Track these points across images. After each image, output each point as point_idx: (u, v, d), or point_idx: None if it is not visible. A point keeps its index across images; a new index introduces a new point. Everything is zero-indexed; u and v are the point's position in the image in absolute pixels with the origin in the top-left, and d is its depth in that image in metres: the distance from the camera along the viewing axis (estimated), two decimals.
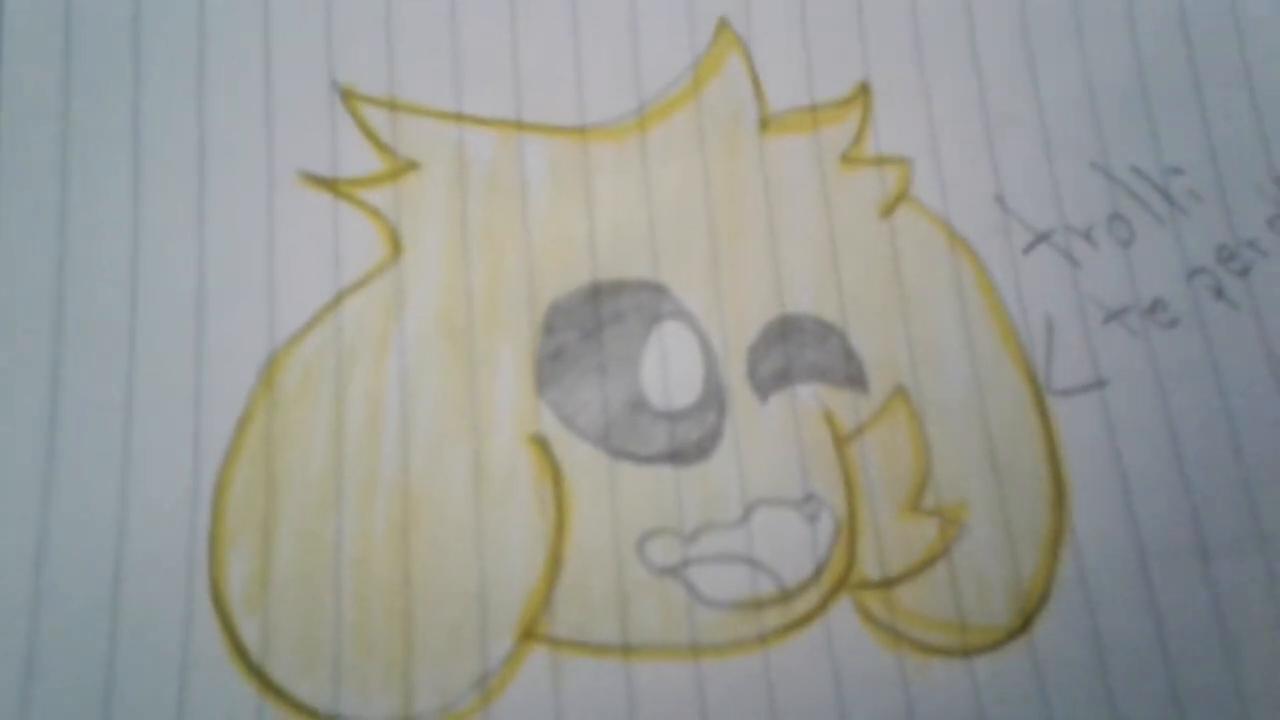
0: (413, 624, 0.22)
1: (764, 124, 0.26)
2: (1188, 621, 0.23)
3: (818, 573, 0.23)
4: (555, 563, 0.22)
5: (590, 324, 0.24)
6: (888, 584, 0.23)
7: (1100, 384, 0.25)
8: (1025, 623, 0.23)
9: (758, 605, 0.23)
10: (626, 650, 0.22)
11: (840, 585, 0.23)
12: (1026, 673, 0.23)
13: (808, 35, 0.26)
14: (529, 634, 0.22)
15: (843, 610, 0.23)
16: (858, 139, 0.26)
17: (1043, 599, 0.23)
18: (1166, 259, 0.26)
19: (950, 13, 0.27)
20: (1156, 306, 0.25)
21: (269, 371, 0.23)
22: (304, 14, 0.25)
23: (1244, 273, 0.26)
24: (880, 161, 0.26)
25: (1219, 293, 0.26)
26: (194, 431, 0.23)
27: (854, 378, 0.24)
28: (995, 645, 0.23)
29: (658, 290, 0.24)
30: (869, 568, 0.23)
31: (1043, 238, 0.26)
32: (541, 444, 0.23)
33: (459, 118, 0.25)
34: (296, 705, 0.21)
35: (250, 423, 0.23)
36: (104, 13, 0.25)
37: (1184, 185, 0.26)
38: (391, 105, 0.25)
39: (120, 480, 0.22)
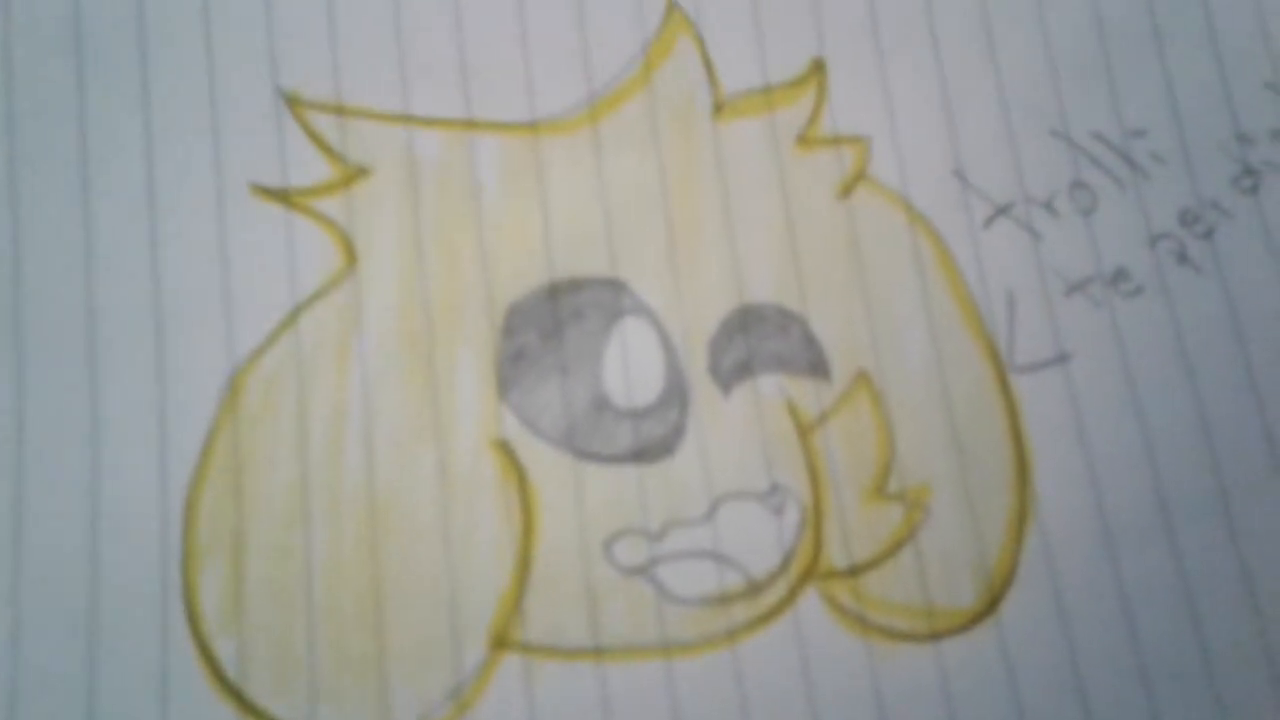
0: (386, 636, 0.22)
1: (717, 108, 0.26)
2: (1153, 594, 0.23)
3: (784, 564, 0.23)
4: (524, 567, 0.23)
5: (550, 324, 0.24)
6: (854, 572, 0.23)
7: (1063, 358, 0.25)
8: (992, 604, 0.23)
9: (726, 600, 0.23)
10: (598, 652, 0.22)
11: (807, 576, 0.23)
12: (994, 654, 0.23)
13: (759, 12, 0.26)
14: (501, 640, 0.22)
15: (810, 601, 0.23)
16: (813, 119, 0.26)
17: (1009, 579, 0.23)
18: (1129, 226, 0.26)
19: None
20: (1119, 276, 0.25)
21: (231, 389, 0.23)
22: (244, 19, 0.25)
23: (1208, 235, 0.25)
24: (837, 141, 0.26)
25: (1182, 258, 0.25)
26: (160, 453, 0.23)
27: (816, 365, 0.24)
28: (963, 628, 0.23)
29: (616, 286, 0.24)
30: (835, 556, 0.23)
31: (1003, 210, 0.25)
32: (505, 448, 0.23)
33: (407, 119, 0.25)
34: None
35: (216, 441, 0.23)
36: (43, 32, 0.24)
37: (1146, 148, 0.26)
38: (339, 110, 0.25)
39: (90, 506, 0.22)
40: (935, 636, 0.23)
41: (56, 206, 0.24)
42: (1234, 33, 0.27)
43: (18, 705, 0.21)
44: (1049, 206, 0.25)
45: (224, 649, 0.22)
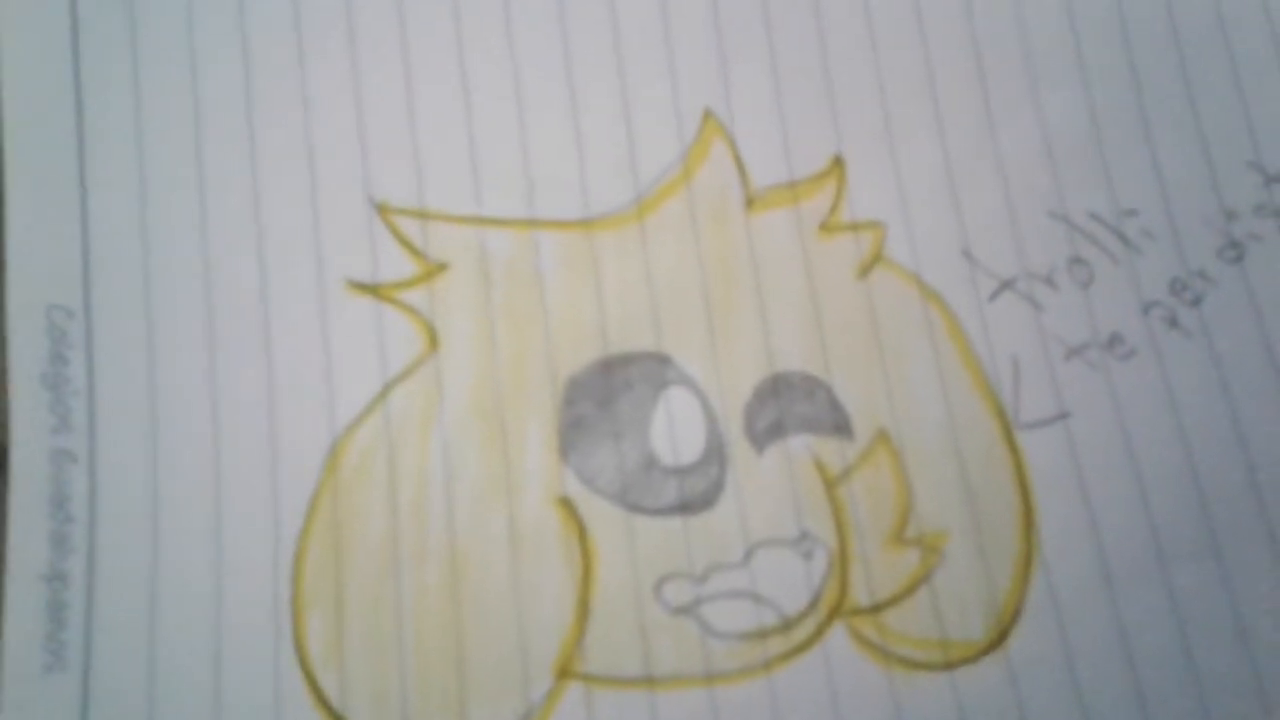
0: (465, 669, 0.26)
1: (749, 202, 0.29)
2: (1148, 629, 0.26)
3: (814, 603, 0.26)
4: (584, 608, 0.26)
5: (604, 394, 0.27)
6: (877, 609, 0.26)
7: (1064, 416, 0.27)
8: (1001, 637, 0.26)
9: (762, 635, 0.26)
10: (649, 681, 0.26)
11: (834, 613, 0.26)
12: (1003, 682, 0.26)
13: (784, 117, 0.29)
14: (564, 672, 0.26)
15: (837, 635, 0.26)
16: (834, 208, 0.29)
17: (1016, 615, 0.26)
18: (1123, 295, 0.28)
19: (914, 83, 0.30)
20: (1114, 341, 0.28)
21: (332, 456, 0.27)
22: (341, 142, 0.29)
23: (1196, 303, 0.28)
24: (855, 227, 0.29)
25: (1173, 323, 0.28)
26: (273, 511, 0.26)
27: (840, 426, 0.27)
28: (974, 659, 0.26)
29: (662, 360, 0.28)
30: (859, 595, 0.26)
31: (1007, 285, 0.28)
32: (567, 505, 0.27)
33: (480, 221, 0.29)
34: None
35: (319, 502, 0.27)
36: (173, 153, 0.29)
37: (1138, 225, 0.29)
38: (421, 215, 0.29)
39: (214, 558, 0.26)
40: (950, 666, 0.26)
41: (183, 301, 0.28)
42: (1217, 116, 0.29)
43: None
44: (1049, 280, 0.28)
45: (328, 681, 0.25)
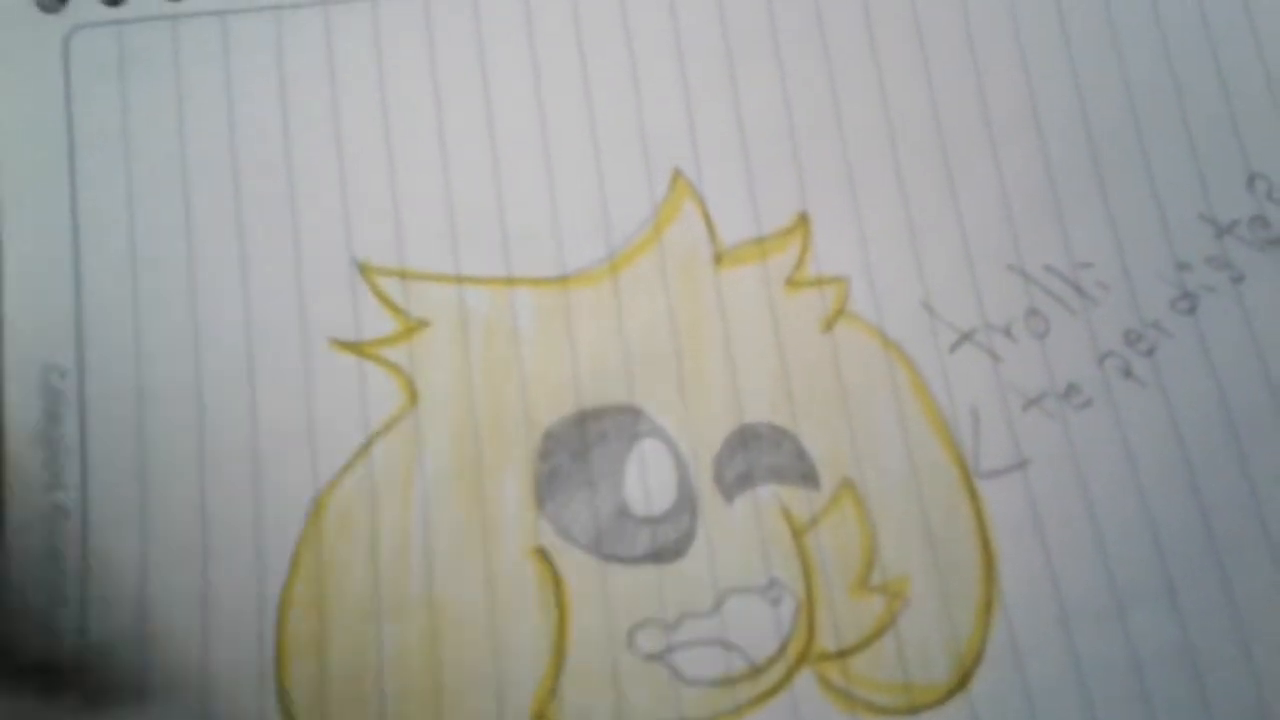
0: (444, 717, 0.26)
1: (718, 258, 0.30)
2: (1105, 670, 0.27)
3: (782, 649, 0.27)
4: (559, 656, 0.27)
5: (579, 446, 0.28)
6: (843, 655, 0.27)
7: (1022, 464, 0.28)
8: (964, 681, 0.27)
9: (732, 681, 0.27)
10: None
11: (802, 659, 0.27)
12: None
13: (751, 176, 0.31)
14: (540, 719, 0.26)
15: (805, 681, 0.27)
16: (800, 263, 0.30)
17: (978, 659, 0.27)
18: (1079, 346, 0.29)
19: (875, 141, 0.31)
20: (1071, 390, 0.29)
21: (315, 509, 0.28)
22: (323, 204, 0.30)
23: (1150, 353, 0.29)
24: (820, 282, 0.30)
25: (1127, 373, 0.29)
26: (257, 565, 0.27)
27: (806, 475, 0.28)
28: (938, 702, 0.27)
29: (634, 412, 0.29)
30: (826, 641, 0.27)
31: (966, 337, 0.29)
32: (543, 555, 0.28)
33: (459, 279, 0.30)
34: None
35: (303, 554, 0.27)
36: (162, 223, 0.30)
37: (1093, 277, 0.30)
38: (402, 274, 0.30)
39: (201, 609, 0.27)
40: (914, 710, 0.27)
41: (171, 361, 0.29)
42: (1169, 170, 0.30)
43: None
44: (1007, 332, 0.29)
45: None
